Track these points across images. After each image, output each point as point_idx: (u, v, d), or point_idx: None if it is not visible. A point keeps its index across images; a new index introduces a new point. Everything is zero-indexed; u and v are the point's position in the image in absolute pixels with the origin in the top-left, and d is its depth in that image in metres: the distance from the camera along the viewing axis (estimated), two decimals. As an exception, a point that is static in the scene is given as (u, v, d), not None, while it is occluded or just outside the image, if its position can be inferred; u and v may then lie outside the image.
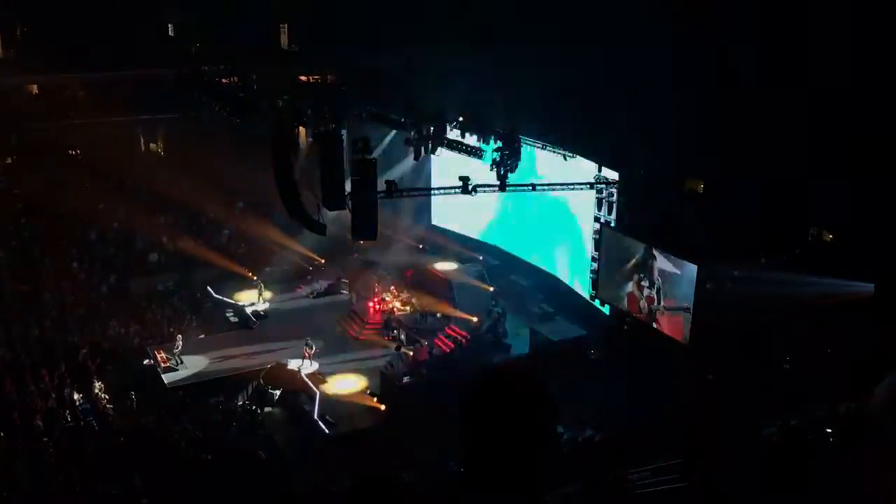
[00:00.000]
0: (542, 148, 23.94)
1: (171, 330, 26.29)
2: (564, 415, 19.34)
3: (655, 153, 20.08)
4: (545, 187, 24.28)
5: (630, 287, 22.16)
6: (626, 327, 22.85)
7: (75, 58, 30.17)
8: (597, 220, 24.04)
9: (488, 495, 2.49)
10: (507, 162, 21.42)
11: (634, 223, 22.34)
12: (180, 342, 24.34)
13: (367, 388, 23.15)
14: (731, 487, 14.72)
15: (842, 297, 15.85)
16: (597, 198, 23.82)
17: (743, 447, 15.81)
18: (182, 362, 23.97)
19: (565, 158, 23.81)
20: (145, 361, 24.16)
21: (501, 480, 2.47)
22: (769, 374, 17.32)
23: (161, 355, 24.12)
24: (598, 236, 23.93)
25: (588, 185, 23.68)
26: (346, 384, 23.48)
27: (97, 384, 22.25)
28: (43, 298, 26.98)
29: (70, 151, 33.07)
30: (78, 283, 28.44)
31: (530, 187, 23.54)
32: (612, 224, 23.37)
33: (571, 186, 24.16)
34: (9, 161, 33.82)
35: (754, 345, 17.13)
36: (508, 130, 21.45)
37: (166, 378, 23.29)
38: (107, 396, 21.78)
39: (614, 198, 23.31)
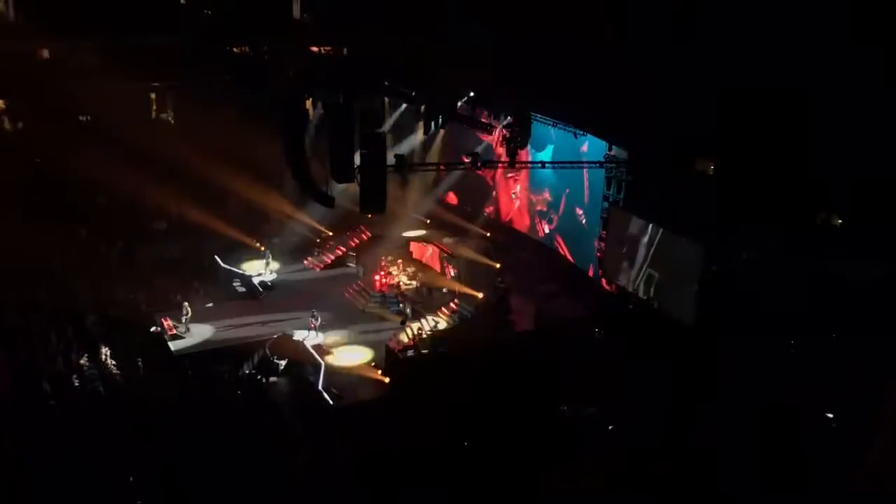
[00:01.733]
0: (553, 125, 23.84)
1: (178, 297, 26.43)
2: (567, 393, 19.45)
3: (666, 133, 19.95)
4: (555, 165, 24.23)
5: (636, 266, 22.19)
6: (631, 307, 22.89)
7: (86, 24, 30.07)
8: (606, 199, 24.01)
9: (492, 469, 2.53)
10: (516, 138, 21.34)
11: (643, 203, 22.30)
12: (189, 310, 24.46)
13: (371, 360, 23.29)
14: (732, 466, 14.87)
15: (848, 280, 15.83)
16: (606, 177, 23.78)
17: (745, 427, 15.92)
18: (189, 330, 24.14)
19: (576, 136, 23.71)
20: (152, 328, 24.31)
21: (505, 454, 2.51)
22: (773, 355, 17.37)
23: (168, 323, 24.28)
24: (606, 215, 23.93)
25: (598, 165, 23.62)
26: (352, 356, 23.64)
27: (104, 350, 22.42)
28: (52, 263, 27.14)
29: (80, 118, 33.07)
30: (86, 249, 28.59)
31: (540, 165, 23.50)
32: (621, 203, 23.33)
33: (581, 165, 24.09)
34: (19, 126, 33.85)
35: (759, 326, 17.15)
36: (519, 107, 21.34)
37: (173, 345, 23.48)
38: (114, 362, 21.95)
39: (624, 177, 23.27)
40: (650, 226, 21.68)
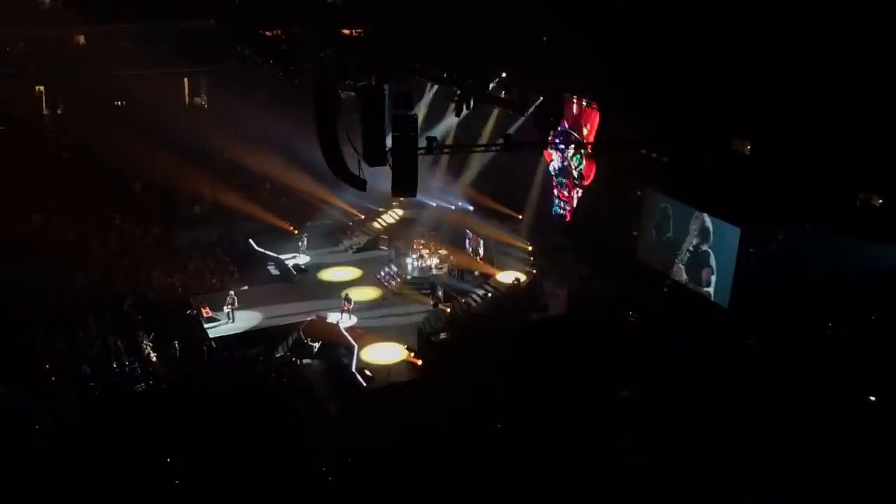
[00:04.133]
0: (587, 105, 23.57)
1: (214, 281, 26.69)
2: (602, 376, 19.34)
3: (701, 112, 19.66)
4: (588, 146, 23.98)
5: (671, 249, 21.95)
6: (665, 289, 22.66)
7: (119, 8, 30.35)
8: (640, 180, 23.71)
9: (528, 451, 2.49)
10: (549, 119, 21.14)
11: (678, 184, 22.01)
12: (235, 300, 24.54)
13: (404, 343, 23.34)
14: (767, 449, 14.69)
15: (889, 263, 15.53)
16: (641, 159, 23.45)
17: (781, 413, 15.69)
18: (234, 319, 24.27)
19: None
20: (188, 312, 24.57)
21: (543, 436, 2.47)
22: (811, 340, 17.10)
23: (205, 307, 24.47)
24: (640, 195, 23.67)
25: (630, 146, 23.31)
26: (386, 353, 23.12)
27: (141, 333, 22.74)
28: (90, 248, 27.55)
29: (115, 103, 33.44)
30: (123, 234, 28.98)
31: (573, 145, 23.30)
32: (656, 185, 23.04)
33: (613, 147, 23.82)
34: (58, 111, 34.32)
35: (796, 310, 16.88)
36: (552, 87, 21.12)
37: (209, 329, 23.72)
38: (151, 345, 22.26)
39: (658, 158, 22.93)
40: (685, 208, 21.40)
